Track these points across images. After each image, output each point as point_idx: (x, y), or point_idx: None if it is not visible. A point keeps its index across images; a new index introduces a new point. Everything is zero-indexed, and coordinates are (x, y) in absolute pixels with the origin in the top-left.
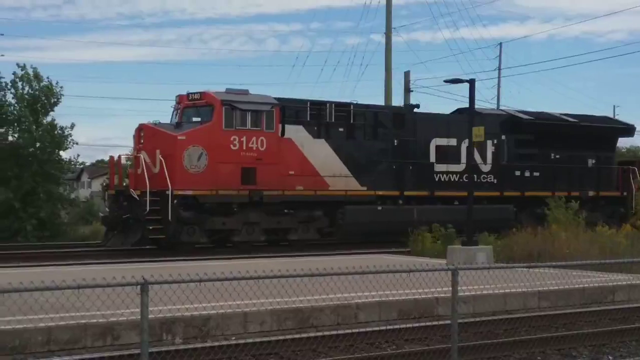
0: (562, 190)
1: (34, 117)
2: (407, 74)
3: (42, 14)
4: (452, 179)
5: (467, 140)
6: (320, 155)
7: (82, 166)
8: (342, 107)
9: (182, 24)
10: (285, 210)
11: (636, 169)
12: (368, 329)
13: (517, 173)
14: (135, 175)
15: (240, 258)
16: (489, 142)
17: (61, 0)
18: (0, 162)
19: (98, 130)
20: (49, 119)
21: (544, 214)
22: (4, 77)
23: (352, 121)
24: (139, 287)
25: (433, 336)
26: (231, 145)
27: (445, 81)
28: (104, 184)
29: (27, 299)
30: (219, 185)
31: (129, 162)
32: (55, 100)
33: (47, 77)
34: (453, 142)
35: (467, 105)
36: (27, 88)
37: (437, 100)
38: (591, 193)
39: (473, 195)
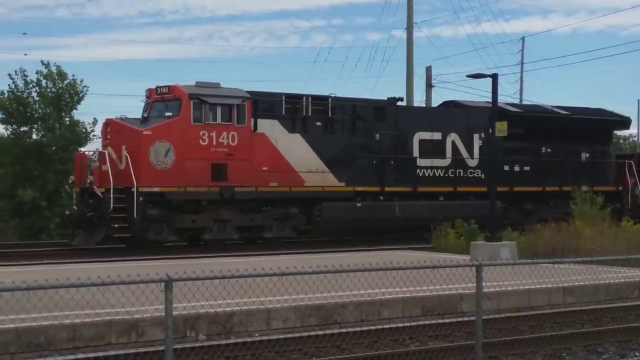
0: (553, 185)
1: (57, 114)
2: (428, 70)
3: (66, 12)
4: (437, 174)
5: (452, 134)
6: (296, 150)
7: None
8: (319, 100)
9: (203, 21)
10: (264, 208)
11: (633, 162)
12: (392, 325)
13: (506, 168)
14: (99, 172)
15: (262, 255)
16: (476, 136)
17: None
18: (25, 160)
19: None
20: (72, 117)
21: (533, 210)
22: (27, 76)
23: (330, 115)
24: (163, 284)
25: (457, 332)
26: (200, 141)
27: (468, 76)
28: (71, 182)
29: (53, 296)
30: (187, 181)
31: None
32: (79, 98)
33: (73, 75)
34: (438, 136)
35: (488, 99)
36: (50, 86)
37: (459, 95)
38: (584, 188)
39: (495, 190)
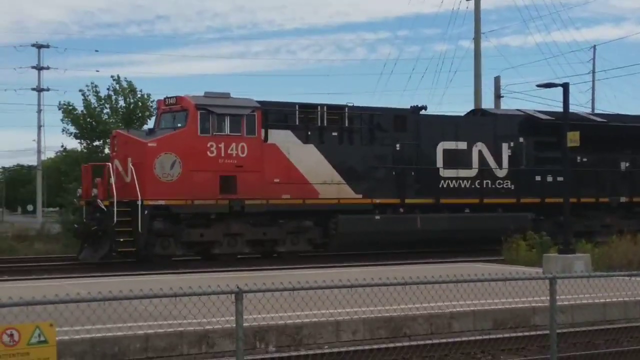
0: (588, 196)
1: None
2: (497, 79)
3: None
4: (462, 185)
5: (479, 144)
6: (309, 161)
7: None
8: (335, 110)
9: (270, 36)
10: (281, 221)
11: None
12: (463, 339)
13: (538, 178)
14: (104, 185)
15: (331, 267)
16: (505, 145)
17: (154, 15)
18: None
19: None
20: None
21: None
22: (99, 92)
23: (346, 125)
24: (233, 295)
25: (530, 346)
26: (208, 152)
27: (538, 85)
28: (79, 195)
29: (127, 307)
30: (194, 194)
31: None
32: (150, 113)
33: (141, 90)
34: (463, 145)
35: (558, 109)
36: (121, 101)
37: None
38: (623, 199)
39: (569, 201)
